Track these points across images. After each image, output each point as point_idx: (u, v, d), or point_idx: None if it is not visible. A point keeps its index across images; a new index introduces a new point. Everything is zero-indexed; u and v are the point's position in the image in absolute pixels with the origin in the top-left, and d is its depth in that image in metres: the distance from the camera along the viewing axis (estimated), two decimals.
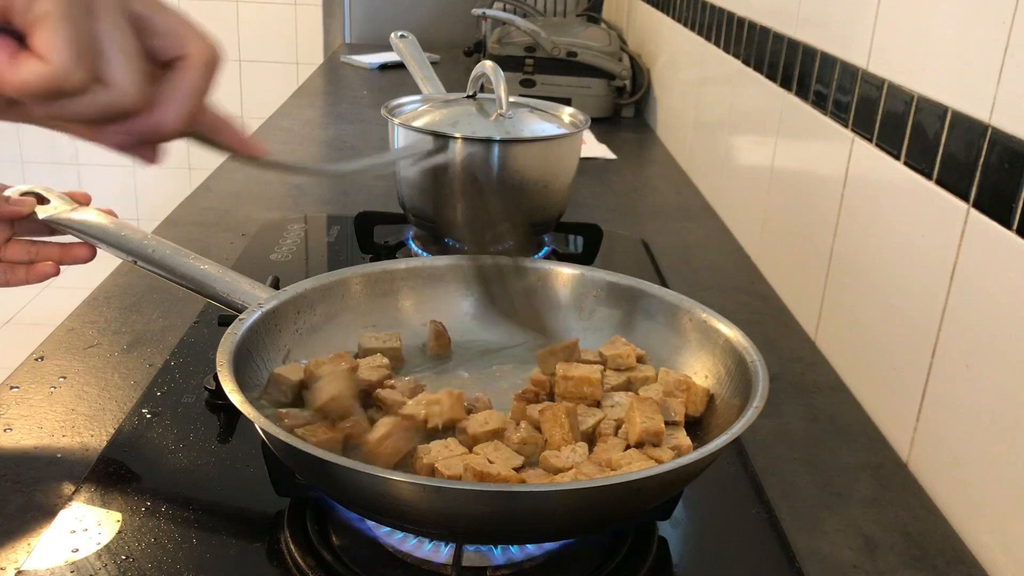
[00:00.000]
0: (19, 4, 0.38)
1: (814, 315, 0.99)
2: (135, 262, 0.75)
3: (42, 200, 0.77)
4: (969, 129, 0.70)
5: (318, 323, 0.73)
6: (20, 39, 0.39)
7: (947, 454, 0.72)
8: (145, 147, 0.46)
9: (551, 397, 0.68)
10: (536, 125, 1.07)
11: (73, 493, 0.66)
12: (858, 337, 0.89)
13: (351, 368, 0.65)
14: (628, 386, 0.70)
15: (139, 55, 0.41)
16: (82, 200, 0.79)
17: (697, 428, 0.67)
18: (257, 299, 0.70)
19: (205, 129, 0.48)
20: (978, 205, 0.69)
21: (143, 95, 0.41)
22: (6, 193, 0.77)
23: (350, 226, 1.18)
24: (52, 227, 0.77)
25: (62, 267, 0.78)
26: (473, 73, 1.10)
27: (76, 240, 0.77)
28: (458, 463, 0.58)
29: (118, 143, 0.46)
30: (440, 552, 0.59)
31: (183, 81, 0.43)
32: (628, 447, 0.62)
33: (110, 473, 0.68)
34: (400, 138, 1.05)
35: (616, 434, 0.64)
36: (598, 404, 0.67)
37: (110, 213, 0.79)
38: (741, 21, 1.31)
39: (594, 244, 1.17)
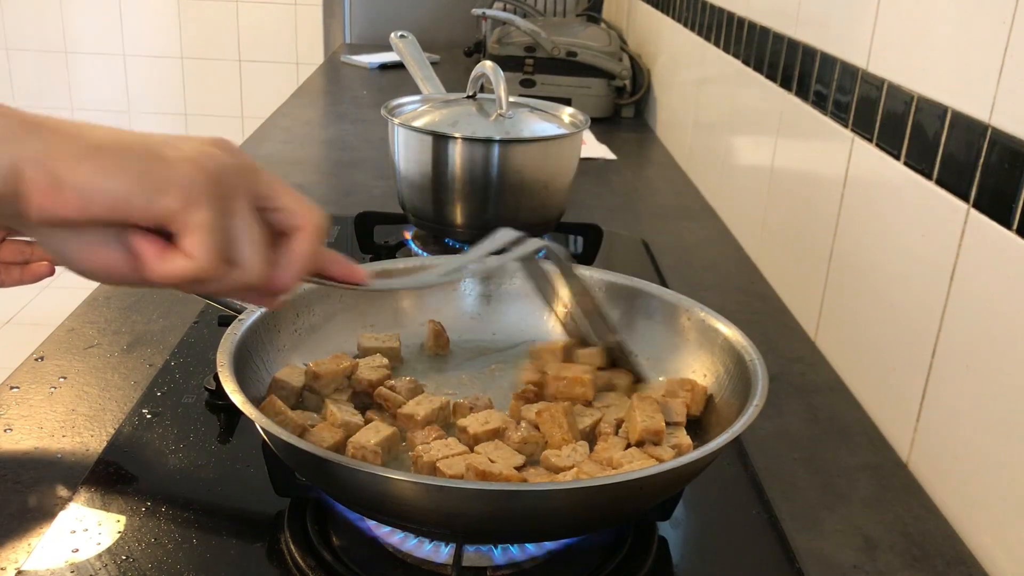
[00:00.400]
0: (175, 210, 0.43)
1: (814, 315, 0.99)
2: None
3: None
4: (969, 129, 0.70)
5: (317, 323, 0.73)
6: (168, 236, 0.44)
7: (947, 454, 0.72)
8: (264, 298, 0.52)
9: (543, 396, 0.68)
10: (536, 125, 1.07)
11: (73, 493, 0.66)
12: (858, 337, 0.89)
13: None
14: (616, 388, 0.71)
15: (264, 240, 0.47)
16: None
17: (697, 428, 0.67)
18: None
19: (318, 270, 0.53)
20: (978, 205, 0.69)
21: (266, 273, 0.47)
22: None
23: (350, 226, 1.18)
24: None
25: (57, 267, 0.78)
26: (473, 73, 1.10)
27: None
28: (460, 462, 0.58)
29: (239, 298, 0.52)
30: (440, 552, 0.59)
31: (299, 249, 0.49)
32: (629, 446, 0.62)
33: (110, 473, 0.68)
34: (403, 145, 1.05)
35: (616, 433, 0.64)
36: (589, 404, 0.68)
37: None
38: (741, 21, 1.31)
39: (594, 244, 1.17)
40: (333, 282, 0.54)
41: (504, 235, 0.67)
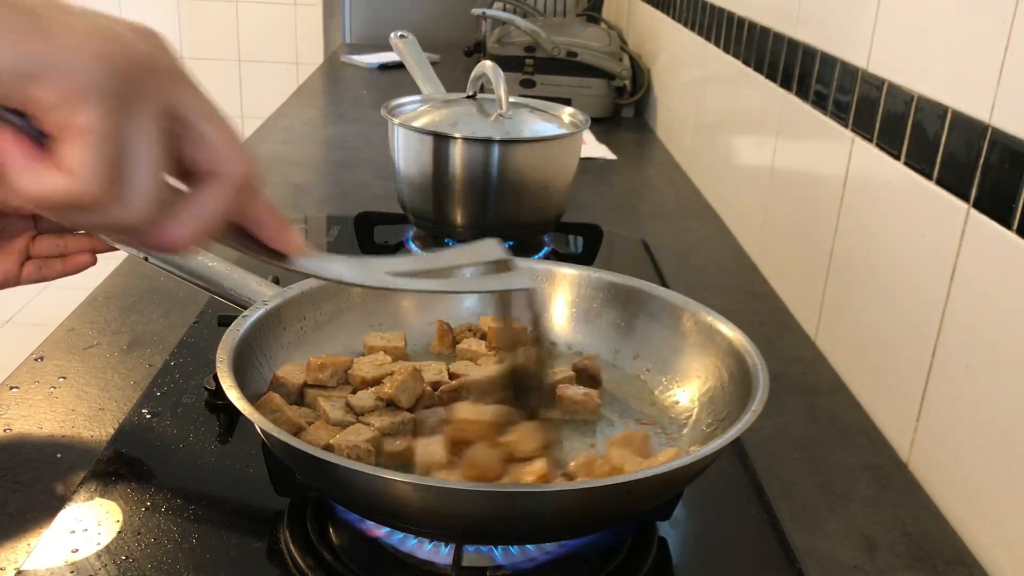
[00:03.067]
0: (51, 103, 0.33)
1: (814, 315, 0.99)
2: (145, 258, 0.75)
3: None
4: (969, 129, 0.70)
5: (322, 321, 0.73)
6: (38, 137, 0.34)
7: (947, 454, 0.72)
8: (147, 247, 0.42)
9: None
10: (536, 125, 1.07)
11: (73, 493, 0.66)
12: (858, 337, 0.89)
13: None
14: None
15: (160, 174, 0.37)
16: None
17: (697, 427, 0.67)
18: (263, 296, 0.70)
19: (247, 223, 0.43)
20: (978, 205, 0.69)
21: (152, 218, 0.37)
22: None
23: (350, 226, 1.18)
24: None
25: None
26: (473, 73, 1.10)
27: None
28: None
29: (103, 248, 0.42)
30: (440, 552, 0.59)
31: (203, 201, 0.39)
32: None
33: (110, 473, 0.68)
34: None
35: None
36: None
37: None
38: (741, 21, 1.31)
39: (594, 244, 1.17)
40: (255, 250, 0.44)
41: (491, 250, 0.60)
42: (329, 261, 0.51)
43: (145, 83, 0.35)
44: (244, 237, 0.44)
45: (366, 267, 0.54)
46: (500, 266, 0.61)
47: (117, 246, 0.75)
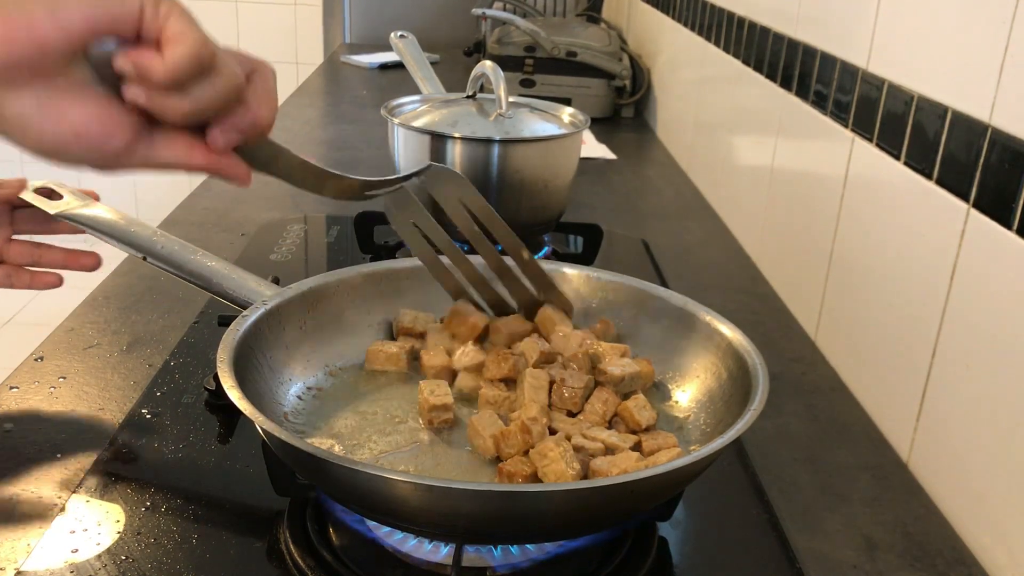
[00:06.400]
0: (148, 12, 0.44)
1: (814, 315, 0.99)
2: (144, 258, 0.75)
3: (54, 196, 0.78)
4: (969, 129, 0.70)
5: (323, 321, 0.73)
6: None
7: (947, 454, 0.72)
8: (239, 165, 0.53)
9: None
10: (536, 125, 1.07)
11: (72, 493, 0.66)
12: (858, 337, 0.89)
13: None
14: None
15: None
16: (93, 198, 0.80)
17: (696, 427, 0.67)
18: (262, 296, 0.70)
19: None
20: (978, 205, 0.69)
21: (245, 82, 0.49)
22: (29, 189, 0.77)
23: (350, 226, 1.18)
24: (59, 223, 0.77)
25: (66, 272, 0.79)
26: (473, 73, 1.10)
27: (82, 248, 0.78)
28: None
29: (223, 145, 0.51)
30: (440, 552, 0.59)
31: (264, 84, 0.51)
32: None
33: (109, 473, 0.68)
34: (400, 141, 1.05)
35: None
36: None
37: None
38: (741, 21, 1.31)
39: (594, 244, 1.17)
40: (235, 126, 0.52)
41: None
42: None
43: None
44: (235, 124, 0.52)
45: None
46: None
47: (115, 245, 0.76)
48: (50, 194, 0.78)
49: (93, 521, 0.63)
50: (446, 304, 0.77)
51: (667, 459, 0.60)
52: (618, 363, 0.69)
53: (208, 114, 0.49)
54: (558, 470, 0.57)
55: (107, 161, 0.47)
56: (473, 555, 0.58)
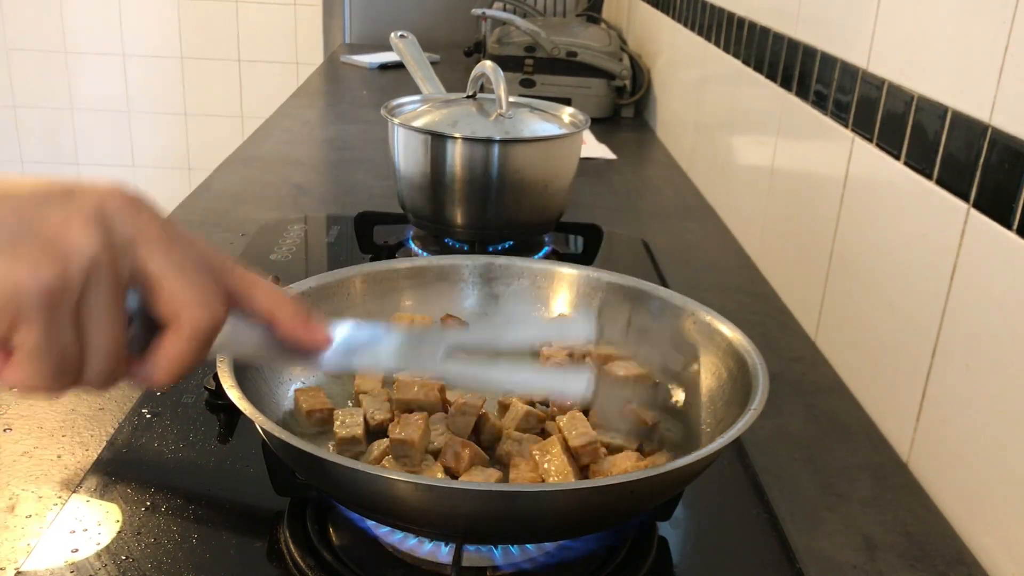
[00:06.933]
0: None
1: (814, 315, 0.99)
2: None
3: None
4: (969, 129, 0.70)
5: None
6: None
7: (947, 454, 0.72)
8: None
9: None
10: (536, 125, 1.07)
11: (72, 493, 0.66)
12: (858, 337, 0.89)
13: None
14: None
15: (118, 347, 0.41)
16: None
17: (695, 427, 0.67)
18: None
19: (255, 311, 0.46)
20: (978, 205, 0.69)
21: (110, 383, 0.42)
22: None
23: (350, 226, 1.18)
24: None
25: None
26: (473, 73, 1.10)
27: None
28: None
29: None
30: (440, 552, 0.59)
31: (167, 347, 0.43)
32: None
33: (109, 473, 0.68)
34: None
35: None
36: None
37: None
38: (741, 21, 1.31)
39: (594, 244, 1.17)
40: (286, 356, 0.47)
41: (576, 383, 0.56)
42: (374, 351, 0.51)
43: (97, 271, 0.38)
44: (271, 345, 0.47)
45: (419, 349, 0.52)
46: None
47: None
48: None
49: (93, 521, 0.63)
50: (446, 304, 0.77)
51: (667, 459, 0.60)
52: (622, 365, 0.69)
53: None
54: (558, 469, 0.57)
55: None
56: (473, 555, 0.58)
